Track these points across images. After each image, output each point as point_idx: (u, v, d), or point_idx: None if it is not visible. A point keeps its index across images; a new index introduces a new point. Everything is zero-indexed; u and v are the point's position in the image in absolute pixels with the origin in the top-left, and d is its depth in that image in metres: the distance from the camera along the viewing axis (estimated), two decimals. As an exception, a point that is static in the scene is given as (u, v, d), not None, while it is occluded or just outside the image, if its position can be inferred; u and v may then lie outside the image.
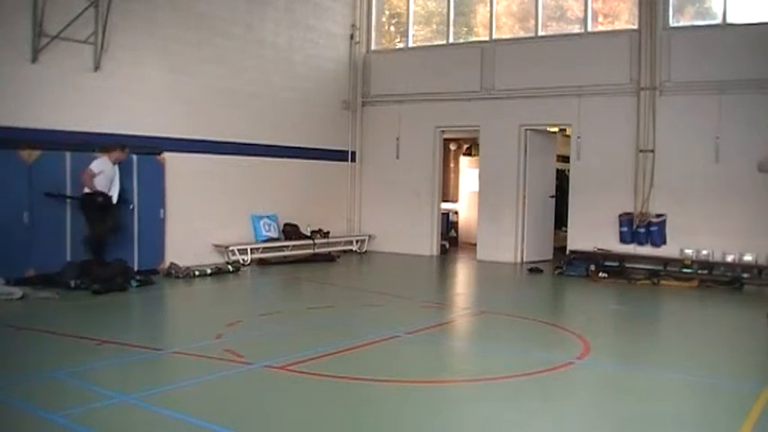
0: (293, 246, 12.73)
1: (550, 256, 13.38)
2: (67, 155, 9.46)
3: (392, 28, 15.32)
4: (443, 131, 14.25)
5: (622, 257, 11.60)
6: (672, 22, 11.73)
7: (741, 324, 8.36)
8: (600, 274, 11.24)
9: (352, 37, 14.53)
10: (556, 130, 13.77)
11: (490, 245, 13.24)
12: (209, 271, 10.64)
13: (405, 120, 14.20)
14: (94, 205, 9.13)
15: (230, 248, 11.63)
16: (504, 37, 13.48)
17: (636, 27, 11.90)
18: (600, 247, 11.90)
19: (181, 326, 8.04)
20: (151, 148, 10.58)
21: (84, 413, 4.53)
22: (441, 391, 5.40)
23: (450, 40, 14.08)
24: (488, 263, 12.95)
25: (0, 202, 8.79)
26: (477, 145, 14.49)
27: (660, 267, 11.16)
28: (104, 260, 9.26)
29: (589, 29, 12.57)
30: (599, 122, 12.18)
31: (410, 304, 8.95)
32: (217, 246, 11.65)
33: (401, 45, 14.89)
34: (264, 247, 12.21)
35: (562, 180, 13.83)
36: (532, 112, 12.83)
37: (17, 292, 8.25)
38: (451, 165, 17.05)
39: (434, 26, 14.65)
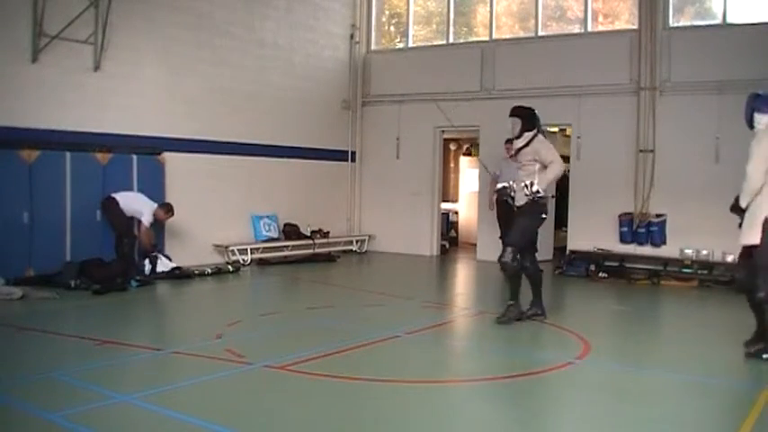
0: (293, 246, 12.73)
1: (550, 256, 13.37)
2: (67, 155, 9.48)
3: (392, 28, 15.32)
4: (443, 131, 14.25)
5: (622, 257, 11.59)
6: (672, 22, 11.73)
7: (741, 324, 8.34)
8: (600, 274, 11.25)
9: (352, 37, 14.53)
10: (556, 130, 13.77)
11: (490, 245, 13.20)
12: (209, 271, 10.64)
13: (405, 120, 14.20)
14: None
15: (230, 248, 11.63)
16: (504, 37, 13.48)
17: (636, 27, 11.89)
18: (600, 247, 11.90)
19: (181, 326, 8.03)
20: (151, 148, 10.59)
21: (84, 413, 4.52)
22: (441, 390, 5.40)
23: (451, 40, 14.08)
24: (488, 263, 12.90)
25: (0, 202, 8.80)
26: (477, 145, 14.49)
27: (660, 267, 11.16)
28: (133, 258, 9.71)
29: (589, 29, 12.57)
30: (599, 122, 12.18)
31: (410, 304, 8.94)
32: (217, 246, 11.65)
33: (401, 45, 14.89)
34: (264, 247, 12.21)
35: (562, 180, 13.79)
36: (532, 113, 12.81)
37: (17, 292, 8.25)
38: (451, 165, 17.05)
39: (434, 26, 14.65)
